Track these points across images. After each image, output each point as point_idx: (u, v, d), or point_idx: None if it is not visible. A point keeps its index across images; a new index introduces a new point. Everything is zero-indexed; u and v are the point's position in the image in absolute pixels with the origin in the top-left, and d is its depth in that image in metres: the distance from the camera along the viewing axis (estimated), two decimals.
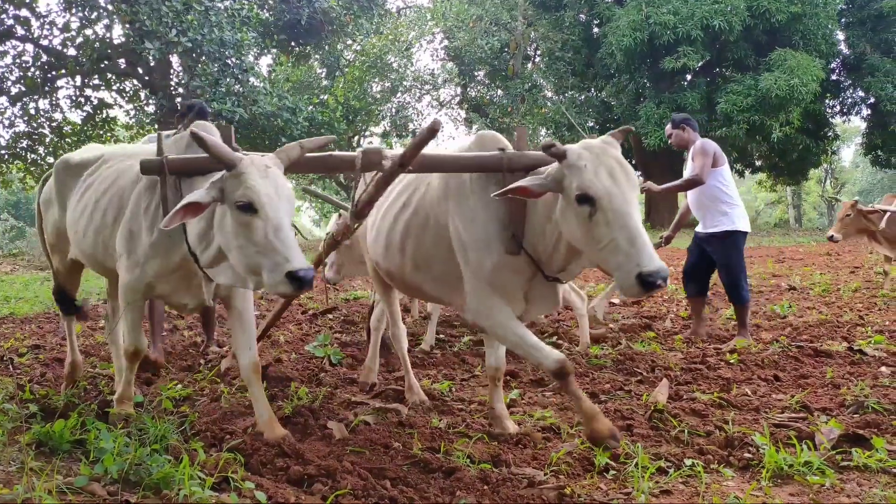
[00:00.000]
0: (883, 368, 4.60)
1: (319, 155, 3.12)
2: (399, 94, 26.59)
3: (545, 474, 2.87)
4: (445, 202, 3.13)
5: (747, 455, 3.08)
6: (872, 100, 19.61)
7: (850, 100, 21.64)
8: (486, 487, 2.70)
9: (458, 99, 29.65)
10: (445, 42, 28.40)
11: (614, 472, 2.88)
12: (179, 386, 4.20)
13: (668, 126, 5.80)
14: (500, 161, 2.95)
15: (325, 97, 22.20)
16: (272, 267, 2.52)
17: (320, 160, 3.17)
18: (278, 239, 2.55)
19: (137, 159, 3.29)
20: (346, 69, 24.00)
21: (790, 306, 7.42)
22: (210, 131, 3.14)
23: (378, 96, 25.38)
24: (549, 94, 25.02)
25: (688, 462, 2.98)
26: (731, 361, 4.84)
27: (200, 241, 2.90)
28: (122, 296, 3.27)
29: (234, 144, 3.07)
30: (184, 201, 2.66)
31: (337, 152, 3.23)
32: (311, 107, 19.24)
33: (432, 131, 2.66)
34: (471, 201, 3.03)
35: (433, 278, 3.31)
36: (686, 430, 3.36)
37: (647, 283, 2.39)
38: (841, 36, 19.62)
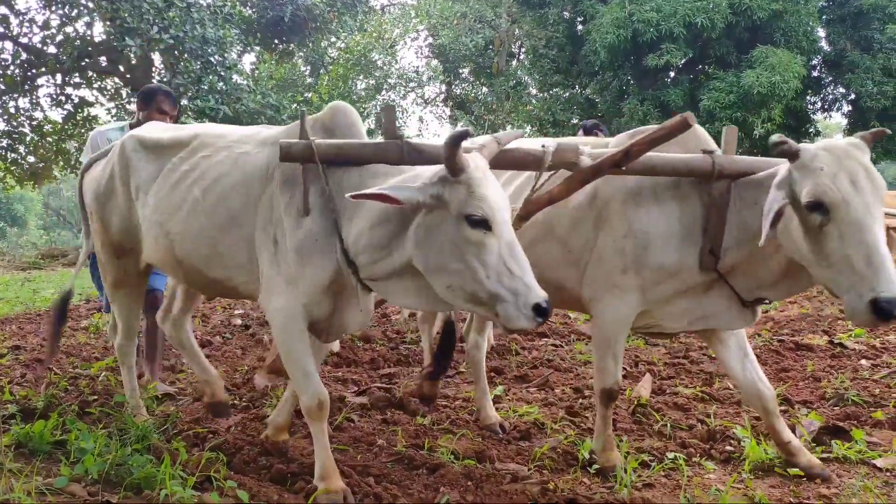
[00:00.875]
0: (863, 361, 4.65)
1: (503, 149, 2.61)
2: (384, 92, 26.53)
3: (529, 469, 2.89)
4: (600, 200, 2.77)
5: (729, 448, 3.11)
6: (853, 96, 19.77)
7: (831, 96, 21.79)
8: (469, 483, 2.70)
9: (442, 96, 29.59)
10: (430, 39, 28.33)
11: (597, 466, 2.89)
12: (160, 385, 4.16)
13: (580, 132, 5.80)
14: (710, 166, 2.57)
15: (309, 95, 22.11)
16: (511, 297, 2.09)
17: (502, 155, 2.60)
18: (515, 262, 2.12)
19: (252, 145, 2.79)
20: (331, 67, 23.91)
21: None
22: (349, 114, 2.70)
23: (363, 94, 25.30)
24: (534, 92, 25.04)
25: (670, 455, 3.00)
26: (714, 356, 4.87)
27: (376, 249, 2.37)
28: (278, 334, 2.62)
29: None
30: (384, 189, 2.19)
31: (521, 147, 2.69)
32: (294, 105, 19.14)
33: (683, 125, 2.38)
34: (653, 203, 2.68)
35: (581, 279, 2.86)
36: (668, 424, 3.39)
37: (883, 310, 2.10)
38: (822, 33, 19.76)
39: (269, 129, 2.89)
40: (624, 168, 2.49)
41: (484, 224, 2.13)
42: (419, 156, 2.40)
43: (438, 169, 2.21)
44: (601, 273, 2.75)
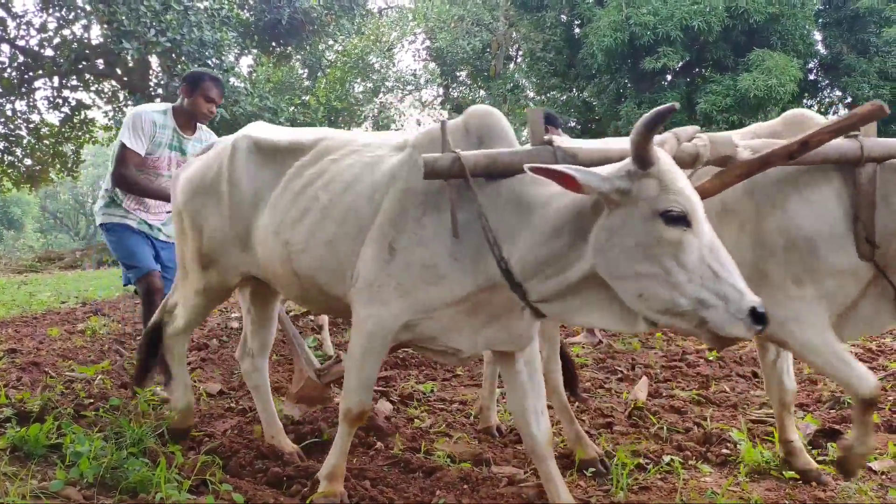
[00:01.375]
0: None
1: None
2: (381, 95, 26.59)
3: (525, 472, 2.89)
4: (737, 217, 2.54)
5: (725, 451, 3.11)
6: (849, 99, 19.82)
7: (827, 99, 21.87)
8: (466, 486, 2.70)
9: (440, 99, 29.64)
10: (427, 42, 28.39)
11: (594, 469, 2.89)
12: (158, 388, 4.16)
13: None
14: (859, 150, 2.39)
15: (307, 98, 22.13)
16: (719, 302, 1.82)
17: None
18: (719, 263, 1.86)
19: (385, 149, 2.55)
20: (328, 70, 23.92)
21: None
22: (494, 117, 2.42)
23: (360, 97, 25.33)
24: (531, 95, 25.09)
25: (666, 458, 3.00)
26: (710, 359, 4.88)
27: (548, 265, 2.10)
28: (361, 338, 2.40)
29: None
30: (567, 167, 1.94)
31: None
32: (292, 108, 19.17)
33: (877, 112, 2.20)
34: (804, 205, 2.47)
35: None
36: (665, 427, 3.39)
37: None
38: (818, 36, 19.82)
39: (403, 133, 2.69)
40: (795, 159, 2.31)
41: (683, 221, 1.88)
42: (573, 160, 2.20)
43: (622, 164, 1.98)
44: (773, 291, 2.46)
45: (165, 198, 3.78)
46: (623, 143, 2.28)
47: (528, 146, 2.30)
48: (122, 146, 3.91)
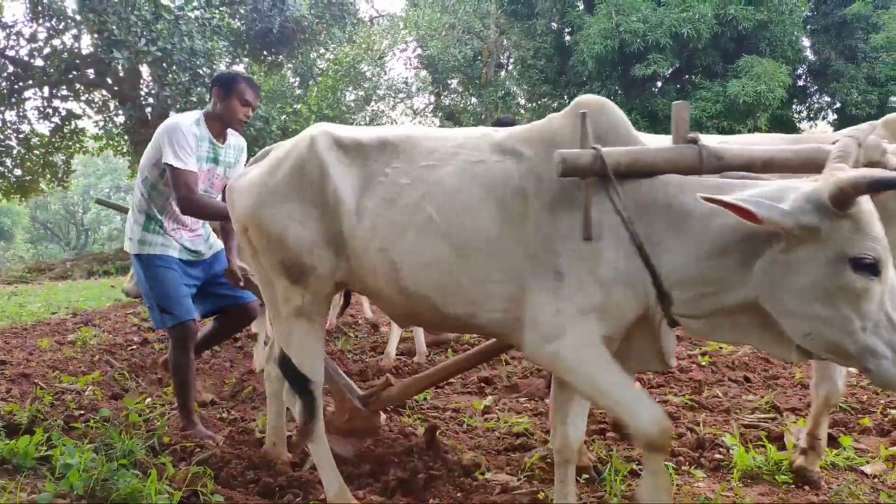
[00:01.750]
0: (851, 368, 4.68)
1: (789, 149, 2.10)
2: (373, 103, 26.64)
3: (518, 480, 2.88)
4: None
5: (718, 456, 3.11)
6: (838, 105, 20.00)
7: (816, 105, 22.05)
8: (459, 494, 2.69)
9: (431, 107, 29.72)
10: (418, 50, 28.47)
11: (587, 476, 2.89)
12: (149, 400, 4.13)
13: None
14: None
15: (299, 106, 22.15)
16: (889, 353, 1.76)
17: (793, 156, 2.08)
18: None
19: (486, 151, 2.27)
20: (320, 78, 23.97)
21: None
22: (611, 109, 2.19)
23: (352, 105, 25.38)
24: (523, 102, 25.18)
25: None
26: (703, 363, 4.89)
27: (704, 283, 1.95)
28: (586, 364, 2.08)
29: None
30: (744, 200, 1.79)
31: (802, 146, 2.14)
32: (284, 116, 19.15)
33: None
34: None
35: None
36: None
37: None
38: (806, 42, 20.01)
39: (497, 131, 2.39)
40: None
41: (872, 269, 1.75)
42: (718, 162, 2.02)
43: (808, 195, 1.79)
44: None
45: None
46: (763, 143, 2.23)
47: (670, 144, 2.11)
48: (175, 170, 3.33)
